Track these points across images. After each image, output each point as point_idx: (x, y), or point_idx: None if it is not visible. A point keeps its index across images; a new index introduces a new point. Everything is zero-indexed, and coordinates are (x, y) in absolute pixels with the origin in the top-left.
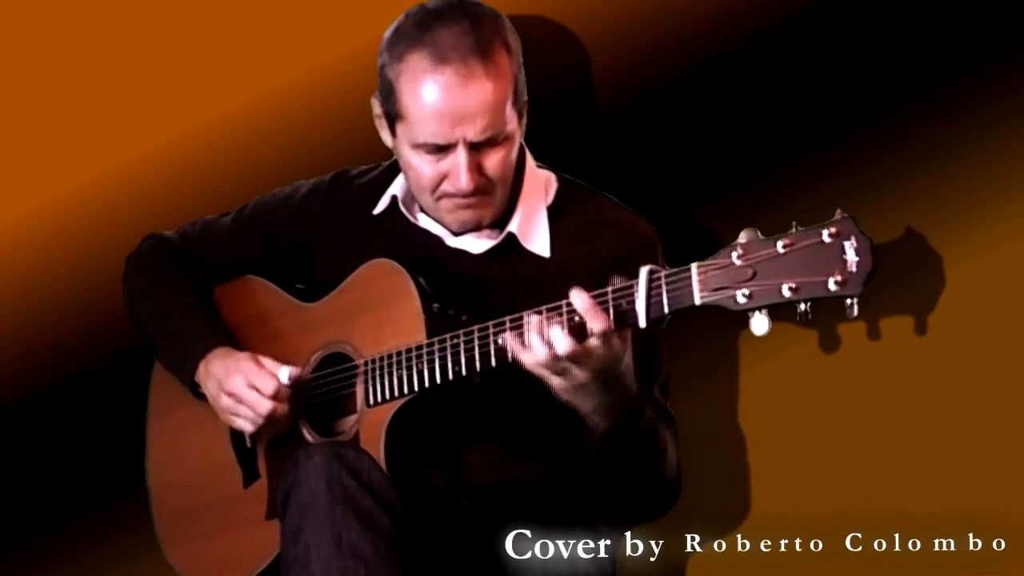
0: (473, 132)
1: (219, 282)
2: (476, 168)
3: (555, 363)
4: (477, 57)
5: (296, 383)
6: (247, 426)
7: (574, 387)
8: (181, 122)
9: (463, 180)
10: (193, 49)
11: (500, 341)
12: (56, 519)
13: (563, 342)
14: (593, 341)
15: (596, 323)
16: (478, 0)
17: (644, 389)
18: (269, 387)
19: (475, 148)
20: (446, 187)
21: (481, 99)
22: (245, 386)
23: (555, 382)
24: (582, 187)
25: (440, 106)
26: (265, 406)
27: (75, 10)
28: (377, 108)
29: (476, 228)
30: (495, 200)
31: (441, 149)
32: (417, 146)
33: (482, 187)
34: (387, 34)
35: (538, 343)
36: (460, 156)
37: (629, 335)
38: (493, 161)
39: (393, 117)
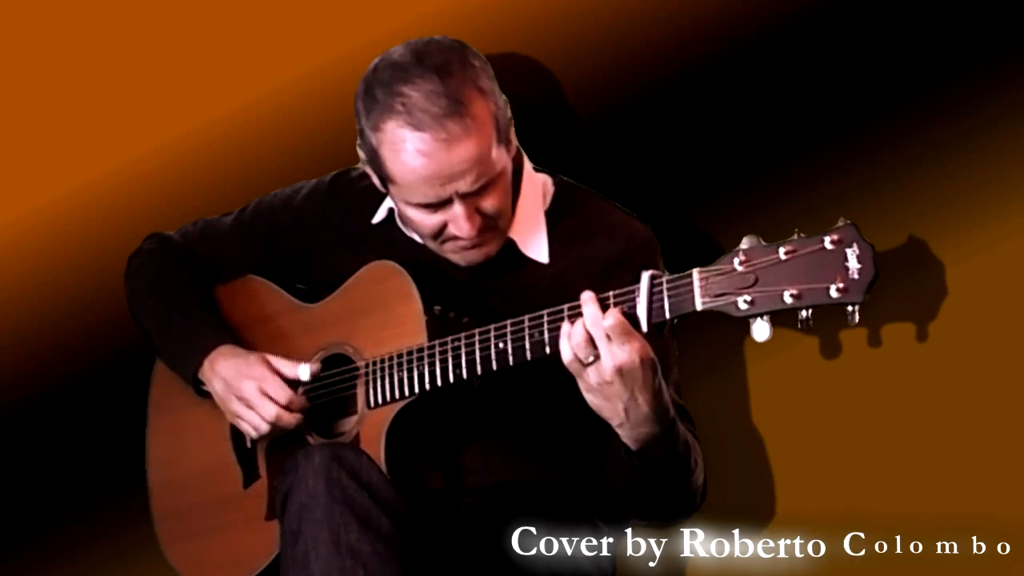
0: (465, 186)
1: (220, 282)
2: (475, 213)
3: (587, 344)
4: (453, 117)
5: (315, 380)
6: (253, 432)
7: (601, 383)
8: (181, 122)
9: (464, 230)
10: (193, 49)
11: (501, 344)
12: (56, 519)
13: (595, 320)
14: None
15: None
16: (440, 39)
17: None
18: (283, 396)
19: (470, 195)
20: (449, 233)
21: (465, 156)
22: (257, 392)
23: (587, 376)
24: (578, 189)
25: (426, 172)
26: (275, 414)
27: (75, 10)
28: (364, 158)
29: (484, 261)
30: (500, 231)
31: (436, 205)
32: (411, 204)
33: (484, 227)
34: (360, 90)
35: (578, 326)
36: (457, 208)
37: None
38: (490, 201)
39: (383, 178)
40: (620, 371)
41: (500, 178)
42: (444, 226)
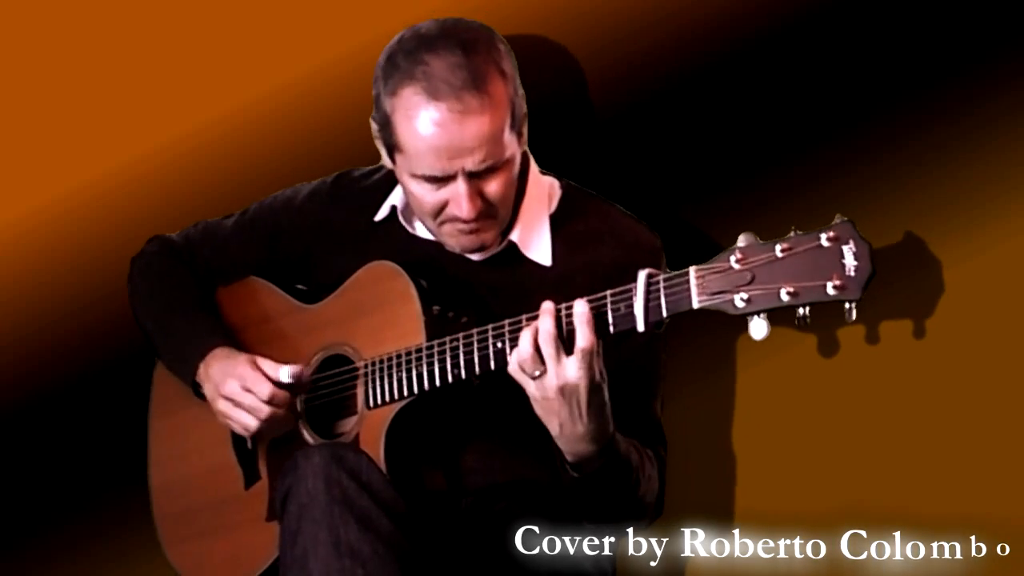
0: (472, 163)
1: (221, 284)
2: (477, 195)
3: (534, 361)
4: (471, 90)
5: (298, 383)
6: (242, 431)
7: (543, 397)
8: (181, 122)
9: (465, 209)
10: (193, 49)
11: (499, 344)
12: (56, 519)
13: (548, 335)
14: (575, 354)
15: (583, 336)
16: (469, 21)
17: (643, 404)
18: (264, 391)
19: (475, 176)
20: (448, 213)
21: (477, 132)
22: (240, 390)
23: (529, 387)
24: (586, 194)
25: (436, 142)
26: (261, 411)
27: (75, 10)
28: (375, 129)
29: (479, 250)
30: (498, 222)
31: (440, 179)
32: (416, 176)
33: (484, 212)
34: (381, 59)
35: (526, 339)
36: (460, 186)
37: (605, 375)
38: (494, 186)
39: (391, 147)
40: (563, 391)
41: (507, 165)
42: (445, 205)
